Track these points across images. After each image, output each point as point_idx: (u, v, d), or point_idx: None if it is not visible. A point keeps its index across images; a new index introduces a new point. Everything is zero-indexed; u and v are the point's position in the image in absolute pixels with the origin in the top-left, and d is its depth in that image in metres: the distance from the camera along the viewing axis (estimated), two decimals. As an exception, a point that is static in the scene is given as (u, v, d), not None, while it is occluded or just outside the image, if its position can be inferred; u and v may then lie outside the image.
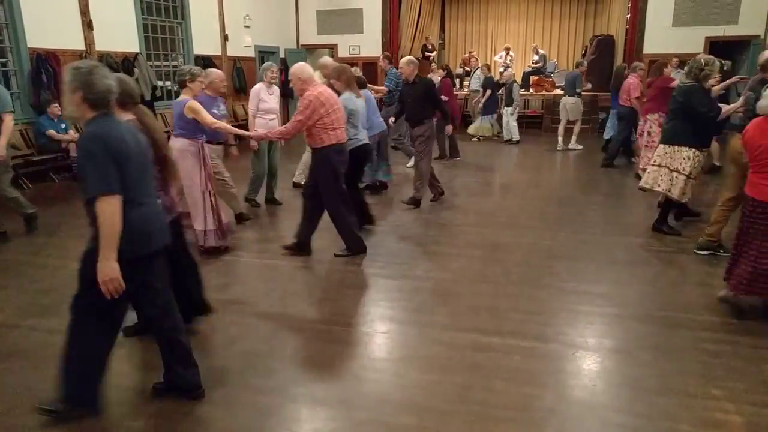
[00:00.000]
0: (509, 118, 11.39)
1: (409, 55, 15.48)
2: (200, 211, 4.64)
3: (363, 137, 5.20)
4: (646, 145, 7.32)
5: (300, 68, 4.49)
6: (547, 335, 3.43)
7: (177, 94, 5.76)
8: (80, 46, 8.48)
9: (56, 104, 7.57)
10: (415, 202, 6.41)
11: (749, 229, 3.53)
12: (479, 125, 11.83)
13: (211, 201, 4.69)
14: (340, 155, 4.58)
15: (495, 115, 11.82)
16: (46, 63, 7.77)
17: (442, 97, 9.40)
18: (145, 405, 2.75)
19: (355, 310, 3.92)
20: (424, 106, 6.23)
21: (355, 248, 4.80)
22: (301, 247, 4.79)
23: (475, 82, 12.41)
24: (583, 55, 15.23)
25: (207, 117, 4.53)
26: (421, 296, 4.07)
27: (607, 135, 9.88)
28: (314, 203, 4.70)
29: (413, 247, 5.06)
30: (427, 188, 6.48)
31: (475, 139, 11.78)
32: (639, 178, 7.52)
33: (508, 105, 11.27)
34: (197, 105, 4.53)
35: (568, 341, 3.36)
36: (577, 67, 10.64)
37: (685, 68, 5.01)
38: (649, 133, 7.27)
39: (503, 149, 11.02)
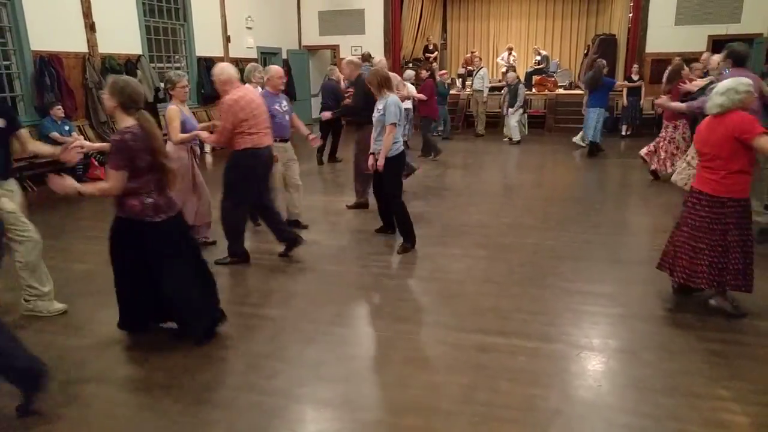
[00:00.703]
0: (510, 118, 11.36)
1: (411, 55, 15.62)
2: (188, 211, 4.66)
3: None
4: (673, 153, 7.24)
5: (219, 69, 4.35)
6: (551, 335, 3.42)
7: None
8: (83, 48, 8.50)
9: (59, 107, 7.59)
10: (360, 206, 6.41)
11: (692, 220, 3.59)
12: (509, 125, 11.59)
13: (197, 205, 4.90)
14: (255, 159, 4.43)
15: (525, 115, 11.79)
16: (49, 65, 7.79)
17: (422, 96, 9.44)
18: (148, 405, 2.75)
19: (359, 310, 3.92)
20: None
21: (239, 256, 4.65)
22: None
23: (477, 81, 12.36)
24: (585, 54, 15.22)
25: (175, 130, 4.58)
26: (425, 297, 4.06)
27: (590, 136, 9.81)
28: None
29: (417, 247, 5.05)
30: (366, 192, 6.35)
31: (506, 140, 11.60)
32: (655, 175, 7.59)
33: (511, 105, 11.26)
34: (173, 113, 4.60)
35: (572, 341, 3.35)
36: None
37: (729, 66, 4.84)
38: (674, 139, 7.22)
39: (504, 149, 11.00)
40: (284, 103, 5.35)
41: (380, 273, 4.50)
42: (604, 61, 9.85)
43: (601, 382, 2.94)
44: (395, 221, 5.10)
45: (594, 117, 9.59)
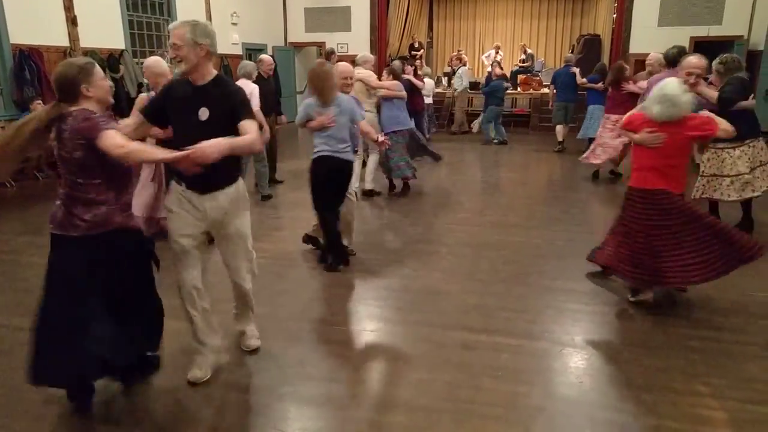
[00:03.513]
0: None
1: (398, 53, 15.63)
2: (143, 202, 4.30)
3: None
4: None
5: (154, 62, 4.28)
6: (534, 333, 3.45)
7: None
8: (64, 42, 8.38)
9: (39, 101, 7.47)
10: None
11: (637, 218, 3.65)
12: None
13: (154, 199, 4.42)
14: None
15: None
16: (30, 59, 7.67)
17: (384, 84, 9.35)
18: (133, 406, 2.72)
19: (343, 309, 3.91)
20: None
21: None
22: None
23: (457, 81, 12.42)
24: (571, 53, 15.34)
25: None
26: (409, 295, 4.07)
27: (582, 134, 9.88)
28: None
29: (402, 245, 5.06)
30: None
31: (495, 141, 11.41)
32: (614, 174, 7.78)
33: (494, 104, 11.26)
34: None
35: (555, 339, 3.38)
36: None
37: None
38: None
39: (489, 148, 11.04)
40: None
41: (365, 271, 4.50)
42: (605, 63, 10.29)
43: (583, 378, 2.97)
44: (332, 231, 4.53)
45: (595, 114, 9.71)
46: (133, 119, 2.82)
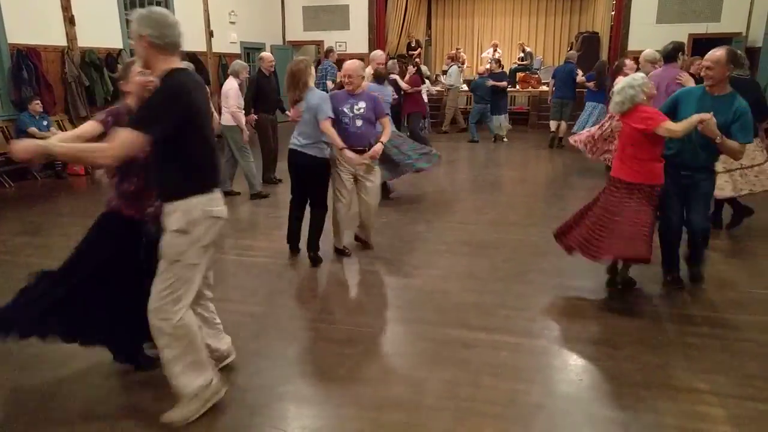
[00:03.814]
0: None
1: (396, 51, 15.61)
2: None
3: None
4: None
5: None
6: (533, 331, 3.45)
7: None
8: (62, 41, 8.36)
9: (37, 101, 7.47)
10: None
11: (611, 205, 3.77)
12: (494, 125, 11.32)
13: None
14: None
15: (506, 115, 11.39)
16: (27, 59, 7.66)
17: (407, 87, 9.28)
18: (128, 405, 2.72)
19: (342, 307, 3.91)
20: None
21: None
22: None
23: (447, 79, 12.42)
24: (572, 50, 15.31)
25: None
26: (408, 293, 4.07)
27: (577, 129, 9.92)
28: None
29: (401, 244, 5.06)
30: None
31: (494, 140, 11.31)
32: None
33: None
34: None
35: (554, 336, 3.38)
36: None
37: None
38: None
39: (486, 146, 11.04)
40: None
41: (363, 269, 4.50)
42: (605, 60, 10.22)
43: (582, 376, 2.97)
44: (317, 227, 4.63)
45: (592, 111, 9.75)
46: None
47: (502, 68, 11.78)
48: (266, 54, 7.24)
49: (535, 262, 4.59)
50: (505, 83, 11.26)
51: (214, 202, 2.45)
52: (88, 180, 7.89)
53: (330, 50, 10.50)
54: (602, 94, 9.66)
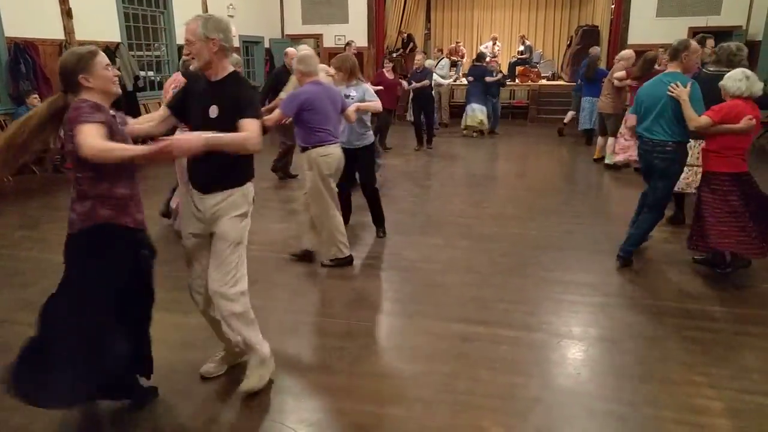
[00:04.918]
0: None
1: (395, 45, 15.53)
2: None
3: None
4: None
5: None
6: (532, 324, 3.45)
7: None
8: (60, 35, 8.32)
9: (35, 95, 7.43)
10: None
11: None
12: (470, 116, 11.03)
13: None
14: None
15: (484, 107, 11.01)
16: (25, 53, 7.61)
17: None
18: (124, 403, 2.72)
19: (341, 301, 3.91)
20: None
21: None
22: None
23: (440, 71, 12.33)
24: (569, 45, 15.27)
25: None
26: (407, 287, 4.07)
27: (583, 126, 9.93)
28: None
29: (400, 237, 5.06)
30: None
31: (465, 133, 11.15)
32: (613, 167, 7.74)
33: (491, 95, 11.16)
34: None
35: (552, 330, 3.38)
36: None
37: (713, 57, 4.99)
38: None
39: (486, 140, 11.02)
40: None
41: (362, 263, 4.50)
42: (599, 49, 10.10)
43: (580, 370, 2.98)
44: (374, 208, 5.03)
45: (588, 106, 9.77)
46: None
47: (483, 62, 11.21)
48: (291, 49, 7.33)
49: (534, 256, 4.59)
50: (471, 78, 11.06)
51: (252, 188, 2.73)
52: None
53: (348, 44, 10.47)
54: (597, 87, 9.67)
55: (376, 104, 4.69)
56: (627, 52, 8.05)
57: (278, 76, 6.94)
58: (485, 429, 2.50)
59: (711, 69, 4.77)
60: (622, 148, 7.59)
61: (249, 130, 2.40)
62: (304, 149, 4.14)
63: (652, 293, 3.89)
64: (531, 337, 3.30)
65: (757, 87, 3.70)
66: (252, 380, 2.73)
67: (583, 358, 3.10)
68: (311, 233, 4.44)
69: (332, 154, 4.11)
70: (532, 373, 2.93)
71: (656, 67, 6.94)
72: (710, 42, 6.69)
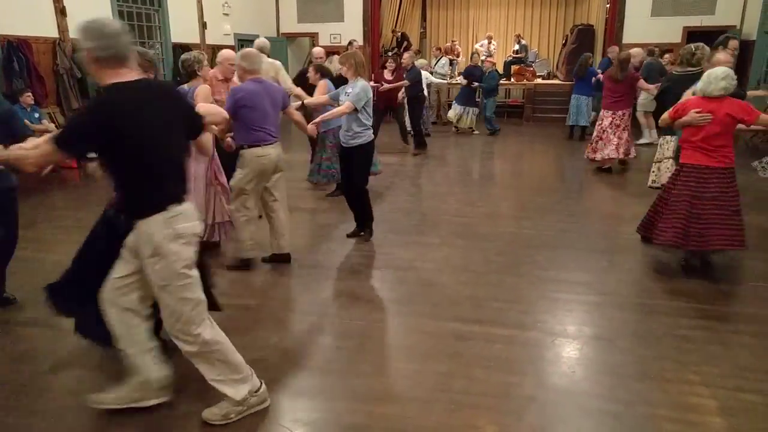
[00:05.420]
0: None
1: (390, 44, 15.52)
2: (202, 205, 4.34)
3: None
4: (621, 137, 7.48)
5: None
6: (526, 323, 3.46)
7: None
8: (53, 33, 8.27)
9: (29, 93, 7.40)
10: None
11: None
12: (457, 114, 11.13)
13: (214, 196, 4.49)
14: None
15: (476, 109, 11.14)
16: (18, 51, 7.58)
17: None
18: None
19: (336, 300, 3.91)
20: None
21: None
22: None
23: (440, 69, 12.34)
24: (564, 44, 15.29)
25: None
26: (402, 286, 4.07)
27: (569, 122, 10.31)
28: None
29: (395, 236, 5.06)
30: None
31: (453, 129, 11.34)
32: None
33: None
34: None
35: (547, 329, 3.39)
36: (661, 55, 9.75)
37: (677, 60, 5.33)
38: (619, 126, 7.44)
39: (481, 139, 11.03)
40: (349, 89, 4.71)
41: (357, 262, 4.50)
42: (590, 54, 10.38)
43: (575, 368, 2.98)
44: (360, 210, 4.96)
45: (574, 103, 10.09)
46: None
47: (475, 63, 11.19)
48: (317, 49, 7.35)
49: (529, 255, 4.60)
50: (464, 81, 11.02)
51: (177, 219, 2.28)
52: (81, 173, 7.83)
53: (351, 43, 10.47)
54: (588, 86, 9.74)
55: (336, 111, 4.64)
56: (634, 51, 8.09)
57: (305, 75, 6.89)
58: (480, 428, 2.50)
59: (677, 70, 5.41)
60: (593, 149, 7.64)
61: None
62: (240, 147, 4.11)
63: (647, 292, 3.91)
64: (526, 335, 3.31)
65: (711, 87, 3.86)
66: (213, 411, 2.53)
67: (578, 356, 3.11)
68: (276, 235, 4.42)
69: (268, 155, 4.05)
70: (527, 371, 2.94)
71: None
72: (734, 43, 6.73)
